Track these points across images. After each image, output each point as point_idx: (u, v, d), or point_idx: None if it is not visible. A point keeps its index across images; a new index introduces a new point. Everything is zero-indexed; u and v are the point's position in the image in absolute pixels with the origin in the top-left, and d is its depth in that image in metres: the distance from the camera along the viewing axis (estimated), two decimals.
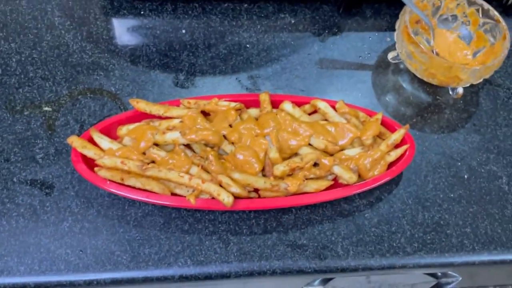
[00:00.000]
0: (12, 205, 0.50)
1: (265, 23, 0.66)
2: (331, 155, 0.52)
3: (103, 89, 0.58)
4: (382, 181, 0.52)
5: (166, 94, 0.59)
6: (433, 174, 0.56)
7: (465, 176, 0.57)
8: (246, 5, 0.67)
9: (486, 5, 0.60)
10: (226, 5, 0.67)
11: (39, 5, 0.64)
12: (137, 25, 0.64)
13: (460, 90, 0.61)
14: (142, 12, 0.65)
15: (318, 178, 0.52)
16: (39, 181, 0.52)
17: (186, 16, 0.65)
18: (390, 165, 0.53)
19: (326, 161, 0.51)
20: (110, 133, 0.52)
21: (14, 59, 0.59)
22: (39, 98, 0.57)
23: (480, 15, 0.61)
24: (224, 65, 0.62)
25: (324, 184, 0.51)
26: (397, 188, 0.55)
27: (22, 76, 0.58)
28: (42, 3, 0.64)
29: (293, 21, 0.67)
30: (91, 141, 0.51)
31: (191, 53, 0.62)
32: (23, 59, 0.59)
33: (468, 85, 0.58)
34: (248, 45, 0.64)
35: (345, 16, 0.68)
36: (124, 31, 0.63)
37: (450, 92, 0.62)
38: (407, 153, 0.53)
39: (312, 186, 0.51)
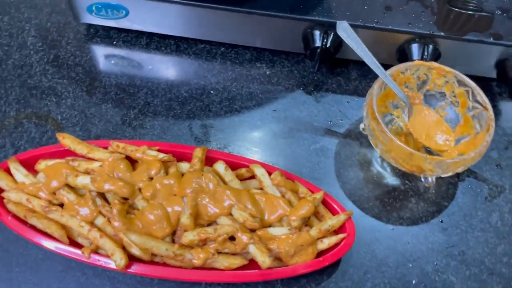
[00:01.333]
0: None
1: (238, 71, 0.62)
2: (254, 230, 0.47)
3: (49, 115, 0.57)
4: (303, 271, 0.45)
5: (111, 131, 0.56)
6: (375, 271, 0.49)
7: (413, 281, 0.48)
8: (223, 48, 0.64)
9: (477, 89, 0.52)
10: (202, 46, 0.64)
11: (19, 22, 0.65)
12: (106, 55, 0.62)
13: (432, 180, 0.53)
14: (115, 42, 0.64)
15: (233, 254, 0.46)
16: None
17: (157, 52, 0.63)
18: (322, 253, 0.47)
19: (244, 237, 0.45)
20: (31, 164, 0.50)
21: None
22: None
23: (470, 98, 0.53)
24: (180, 108, 0.58)
25: (236, 262, 0.45)
26: (328, 280, 0.48)
27: None
28: (22, 21, 0.65)
29: (268, 72, 0.62)
30: (9, 171, 0.49)
31: (150, 92, 0.59)
32: None
33: (438, 176, 0.51)
34: (212, 91, 0.60)
35: (327, 74, 0.62)
36: (91, 59, 0.62)
37: (422, 179, 0.54)
38: (342, 243, 0.46)
39: (222, 262, 0.45)
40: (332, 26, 0.56)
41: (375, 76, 0.62)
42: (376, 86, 0.51)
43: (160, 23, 0.61)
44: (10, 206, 0.47)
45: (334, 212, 0.49)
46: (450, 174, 0.50)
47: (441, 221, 0.52)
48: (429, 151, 0.54)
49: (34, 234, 0.46)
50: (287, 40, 0.60)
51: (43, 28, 0.64)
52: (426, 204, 0.53)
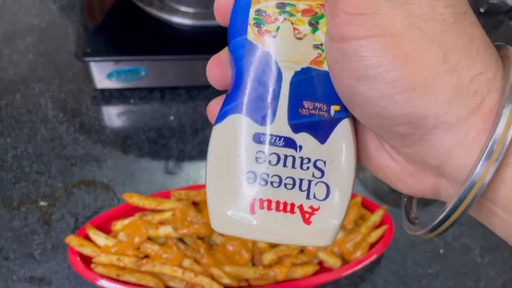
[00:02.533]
0: None
1: None
2: None
3: (96, 180, 0.61)
4: (365, 263, 0.55)
5: (157, 182, 0.62)
6: (411, 250, 0.60)
7: (441, 251, 0.60)
8: None
9: None
10: (211, 90, 0.71)
11: (33, 98, 0.67)
12: (127, 113, 0.68)
13: None
14: (131, 101, 0.69)
15: (304, 263, 0.55)
16: (37, 278, 0.54)
17: (173, 102, 0.69)
18: (372, 245, 0.57)
19: (311, 247, 0.54)
20: (104, 227, 0.54)
21: (10, 154, 0.62)
22: (35, 193, 0.59)
23: None
24: None
25: (310, 269, 0.54)
26: (379, 266, 0.59)
27: (18, 171, 0.61)
28: (36, 96, 0.68)
29: None
30: (87, 237, 0.53)
31: (180, 140, 0.66)
32: (18, 153, 0.62)
33: None
34: None
35: None
36: (114, 120, 0.67)
37: None
38: (386, 233, 0.57)
39: (299, 272, 0.54)
40: None
41: None
42: None
43: (173, 78, 0.68)
44: (99, 269, 0.52)
45: (370, 209, 0.59)
46: None
47: None
48: None
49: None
50: None
51: (59, 99, 0.68)
52: None
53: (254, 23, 0.22)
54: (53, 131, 0.65)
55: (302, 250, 0.55)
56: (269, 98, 0.22)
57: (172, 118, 0.68)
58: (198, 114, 0.69)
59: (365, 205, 0.59)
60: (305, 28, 0.21)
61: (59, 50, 0.72)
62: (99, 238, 0.53)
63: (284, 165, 0.22)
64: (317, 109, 0.22)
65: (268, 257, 0.53)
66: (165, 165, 0.63)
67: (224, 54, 0.24)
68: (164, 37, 0.68)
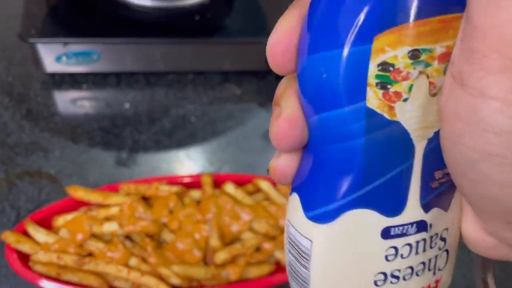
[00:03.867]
0: None
1: (211, 94, 0.67)
2: (273, 237, 0.53)
3: (42, 171, 0.57)
4: None
5: (108, 174, 0.58)
6: None
7: None
8: (191, 76, 0.68)
9: None
10: (171, 76, 0.67)
11: None
12: (79, 100, 0.63)
13: None
14: (84, 87, 0.64)
15: (260, 262, 0.52)
16: None
17: (130, 89, 0.65)
18: None
19: (267, 245, 0.51)
20: (46, 222, 0.51)
21: None
22: None
23: None
24: (168, 140, 0.62)
25: (266, 269, 0.51)
26: None
27: None
28: None
29: (238, 92, 0.67)
30: (26, 233, 0.49)
31: (135, 129, 0.62)
32: None
33: None
34: (193, 118, 0.64)
35: None
36: (65, 107, 0.62)
37: None
38: None
39: (254, 272, 0.51)
40: None
41: None
42: None
43: (130, 62, 0.64)
44: (38, 268, 0.48)
45: None
46: None
47: None
48: None
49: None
50: (253, 61, 0.66)
51: (5, 83, 0.63)
52: None
53: (377, 83, 0.15)
54: None
55: (258, 249, 0.52)
56: (400, 181, 0.17)
57: (127, 106, 0.64)
58: (156, 103, 0.65)
59: None
60: (441, 80, 0.15)
61: (7, 30, 0.67)
62: (39, 234, 0.49)
63: (416, 253, 0.18)
64: (445, 176, 0.17)
65: (221, 256, 0.49)
66: (118, 156, 0.59)
67: (297, 113, 0.17)
68: (120, 18, 0.63)
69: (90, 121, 0.61)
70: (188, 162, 0.61)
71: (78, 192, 0.51)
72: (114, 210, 0.50)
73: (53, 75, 0.64)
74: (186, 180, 0.55)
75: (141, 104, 0.64)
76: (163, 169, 0.59)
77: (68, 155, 0.58)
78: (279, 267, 0.52)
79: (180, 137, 0.62)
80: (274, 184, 0.55)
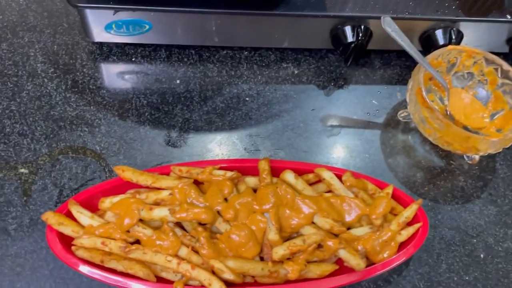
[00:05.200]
0: None
1: (266, 74, 0.61)
2: (336, 234, 0.47)
3: (86, 147, 0.53)
4: (393, 266, 0.47)
5: (156, 154, 0.54)
6: (446, 252, 0.51)
7: (481, 256, 0.52)
8: (246, 52, 0.62)
9: (506, 66, 0.55)
10: (224, 52, 0.62)
11: (21, 49, 0.59)
12: (127, 73, 0.59)
13: (476, 157, 0.56)
14: (133, 59, 0.60)
15: (321, 261, 0.47)
16: (10, 257, 0.46)
17: (181, 64, 0.60)
18: (402, 244, 0.48)
19: (331, 243, 0.46)
20: (91, 203, 0.47)
21: None
22: (15, 158, 0.51)
23: (499, 75, 0.56)
24: (220, 121, 0.57)
25: (328, 269, 0.46)
26: (407, 269, 0.50)
27: None
28: (24, 46, 0.59)
29: (296, 72, 0.62)
30: (70, 214, 0.45)
31: (186, 107, 0.57)
32: (0, 111, 0.54)
33: (486, 154, 0.54)
34: (247, 98, 0.59)
35: (353, 67, 0.63)
36: (113, 80, 0.58)
37: (465, 158, 0.57)
38: (419, 232, 0.48)
39: (315, 271, 0.46)
40: (363, 21, 0.57)
41: (398, 64, 0.64)
42: (421, 76, 0.53)
43: (182, 35, 0.59)
44: (81, 253, 0.44)
45: (401, 203, 0.50)
46: (499, 150, 0.53)
47: (490, 194, 0.56)
48: (466, 129, 0.57)
49: (117, 277, 0.43)
50: (313, 38, 0.60)
51: (50, 52, 0.59)
52: (473, 180, 0.56)
53: None
54: (41, 88, 0.56)
55: (320, 246, 0.46)
56: None
57: (178, 81, 0.59)
58: (209, 80, 0.60)
59: (396, 197, 0.51)
60: None
61: None
62: (83, 216, 0.45)
63: None
64: None
65: (279, 251, 0.44)
66: (167, 136, 0.55)
67: None
68: None
69: (139, 96, 0.57)
70: (241, 145, 0.56)
71: (126, 173, 0.47)
72: (164, 194, 0.46)
73: (101, 45, 0.60)
74: (240, 164, 0.50)
75: (193, 81, 0.59)
76: (214, 152, 0.55)
77: (115, 132, 0.54)
78: (342, 268, 0.47)
79: (233, 118, 0.57)
80: (338, 175, 0.50)
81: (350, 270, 0.46)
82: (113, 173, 0.51)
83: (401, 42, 0.52)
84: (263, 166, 0.49)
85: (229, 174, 0.48)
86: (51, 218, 0.44)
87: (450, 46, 0.56)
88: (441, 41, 0.59)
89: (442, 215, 0.54)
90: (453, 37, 0.58)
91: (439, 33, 0.59)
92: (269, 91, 0.60)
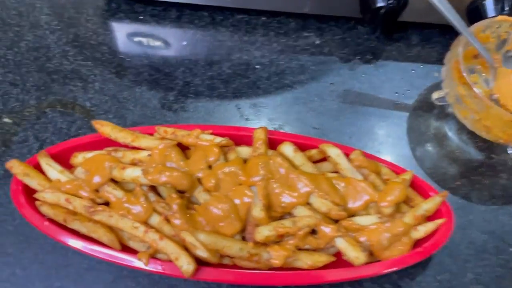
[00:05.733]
0: None
1: (284, 42, 0.55)
2: (336, 221, 0.40)
3: (76, 103, 0.49)
4: (403, 266, 0.38)
5: (149, 116, 0.49)
6: (475, 260, 0.42)
7: None
8: (264, 18, 0.56)
9: None
10: (240, 16, 0.56)
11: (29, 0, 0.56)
12: (132, 32, 0.55)
13: None
14: (141, 17, 0.56)
15: (315, 250, 0.39)
16: None
17: (191, 26, 0.55)
18: (418, 242, 0.40)
19: (327, 229, 0.38)
20: (65, 159, 0.42)
21: None
22: (1, 107, 0.48)
23: None
24: (224, 87, 0.51)
25: (322, 260, 0.38)
26: (423, 273, 0.42)
27: None
28: None
29: (317, 42, 0.55)
30: (39, 168, 0.41)
31: (188, 70, 0.52)
32: None
33: None
34: (258, 66, 0.53)
35: (385, 41, 0.55)
36: (116, 37, 0.54)
37: (509, 151, 0.47)
38: (441, 230, 0.40)
39: (305, 260, 0.38)
40: None
41: (440, 41, 0.55)
42: (460, 47, 0.44)
43: None
44: (45, 209, 0.39)
45: (423, 195, 0.42)
46: None
47: None
48: None
49: (79, 240, 0.38)
50: (339, 3, 0.53)
51: (57, 5, 0.56)
52: None
53: None
54: (41, 40, 0.53)
55: (313, 232, 0.39)
56: None
57: (185, 43, 0.54)
58: (218, 44, 0.54)
59: (417, 187, 0.42)
60: None
61: None
62: (51, 169, 0.41)
63: None
64: None
65: (263, 232, 0.38)
66: (163, 98, 0.50)
67: None
68: None
69: (140, 55, 0.53)
70: (243, 115, 0.49)
71: (105, 128, 0.42)
72: (142, 155, 0.41)
73: (109, 2, 0.56)
74: (234, 132, 0.44)
75: (201, 43, 0.54)
76: (213, 120, 0.49)
77: (108, 89, 0.50)
78: (340, 262, 0.39)
79: (239, 85, 0.51)
80: (347, 154, 0.42)
81: (349, 264, 0.39)
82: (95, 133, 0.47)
83: (440, 7, 0.44)
84: (259, 134, 0.42)
85: (218, 140, 0.42)
86: (16, 167, 0.40)
87: (500, 17, 0.47)
88: (490, 13, 0.50)
89: (475, 216, 0.44)
90: (506, 8, 0.49)
91: (489, 3, 0.50)
92: (283, 60, 0.53)
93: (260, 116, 0.49)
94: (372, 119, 0.50)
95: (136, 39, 0.54)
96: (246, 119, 0.49)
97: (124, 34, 0.54)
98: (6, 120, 0.47)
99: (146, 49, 0.53)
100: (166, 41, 0.54)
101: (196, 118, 0.49)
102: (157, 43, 0.54)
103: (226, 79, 0.51)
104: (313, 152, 0.43)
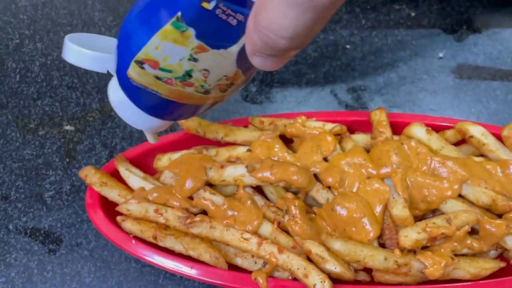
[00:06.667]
0: (1, 265, 0.34)
1: (373, 17, 0.47)
2: (499, 215, 0.31)
3: None
4: None
5: (231, 111, 0.41)
6: None
7: None
8: None
9: None
10: None
11: None
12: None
13: None
14: None
15: (474, 254, 0.30)
16: (42, 231, 0.36)
17: None
18: None
19: (492, 227, 0.29)
20: (145, 164, 0.35)
21: (37, 63, 0.45)
22: (60, 113, 0.42)
23: None
24: (313, 72, 0.43)
25: (489, 267, 0.30)
26: None
27: (44, 84, 0.44)
28: None
29: (413, 14, 0.47)
30: (117, 175, 0.34)
31: None
32: (48, 62, 0.45)
33: None
34: (348, 46, 0.45)
35: (492, 7, 0.47)
36: None
37: None
38: None
39: (467, 269, 0.29)
40: None
41: None
42: None
43: None
44: (129, 225, 0.32)
45: None
46: None
47: None
48: None
49: (176, 260, 0.30)
50: None
51: (110, 0, 0.50)
52: None
53: None
54: None
55: (473, 231, 0.30)
56: None
57: None
58: None
59: None
60: None
61: None
62: (133, 176, 0.33)
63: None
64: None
65: (411, 235, 0.29)
66: (244, 90, 0.43)
67: None
68: None
69: None
70: (342, 102, 0.41)
71: (191, 122, 0.35)
72: (240, 150, 0.33)
73: None
74: (345, 118, 0.36)
75: None
76: (305, 109, 0.41)
77: None
78: (509, 268, 0.30)
79: (331, 69, 0.43)
80: (496, 133, 0.33)
81: None
82: (179, 129, 0.40)
83: None
84: (379, 116, 0.34)
85: (329, 126, 0.34)
86: (92, 175, 0.33)
87: None
88: None
89: None
90: None
91: None
92: (377, 37, 0.45)
93: (361, 101, 0.41)
94: (499, 95, 0.41)
95: None
96: (346, 106, 0.41)
97: None
98: (68, 127, 0.41)
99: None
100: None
101: (286, 109, 0.41)
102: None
103: (314, 63, 0.44)
104: (448, 133, 0.34)
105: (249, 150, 0.33)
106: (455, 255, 0.30)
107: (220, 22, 0.19)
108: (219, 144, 0.35)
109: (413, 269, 0.29)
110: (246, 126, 0.35)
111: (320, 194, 0.32)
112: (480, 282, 0.29)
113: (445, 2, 0.48)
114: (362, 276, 0.30)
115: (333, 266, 0.29)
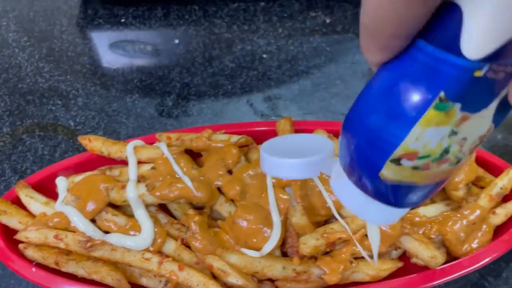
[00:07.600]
0: None
1: (289, 26, 0.48)
2: None
3: (58, 124, 0.41)
4: (487, 260, 0.30)
5: (146, 127, 0.41)
6: None
7: None
8: (263, 3, 0.49)
9: None
10: (236, 5, 0.49)
11: None
12: (115, 37, 0.48)
13: None
14: (123, 20, 0.49)
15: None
16: None
17: (181, 22, 0.48)
18: (498, 228, 0.32)
19: (388, 228, 0.30)
20: (50, 188, 0.34)
21: None
22: None
23: None
24: (230, 83, 0.44)
25: (386, 267, 0.30)
26: (509, 267, 0.33)
27: None
28: None
29: (328, 21, 0.48)
30: (19, 202, 0.33)
31: (185, 70, 0.45)
32: None
33: None
34: (265, 55, 0.45)
35: None
36: (97, 45, 0.47)
37: None
38: None
39: (366, 271, 0.30)
40: None
41: None
42: None
43: None
44: (31, 253, 0.31)
45: (493, 172, 0.34)
46: None
47: None
48: None
49: (78, 285, 0.30)
50: None
51: (25, 20, 0.49)
52: None
53: None
54: (11, 59, 0.46)
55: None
56: None
57: (176, 41, 0.47)
58: (215, 37, 0.47)
59: (484, 164, 0.35)
60: None
61: None
62: (34, 202, 0.33)
63: None
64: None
65: (310, 242, 0.30)
66: (160, 104, 0.42)
67: None
68: None
69: (127, 62, 0.45)
70: (257, 111, 0.42)
71: (95, 143, 0.34)
72: (144, 169, 0.33)
73: (85, 9, 0.49)
74: (253, 129, 0.36)
75: (195, 40, 0.47)
76: (222, 122, 0.41)
77: (94, 104, 0.42)
78: (408, 266, 0.31)
79: (246, 79, 0.44)
80: None
81: (420, 269, 0.31)
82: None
83: None
84: (283, 126, 0.35)
85: (234, 138, 0.34)
86: None
87: None
88: None
89: None
90: None
91: None
92: (293, 45, 0.46)
93: (277, 109, 0.42)
94: None
95: (120, 44, 0.47)
96: (262, 115, 0.42)
97: (106, 41, 0.47)
98: None
99: (133, 54, 0.46)
100: (154, 42, 0.47)
101: (202, 121, 0.41)
102: (145, 46, 0.47)
103: (231, 74, 0.44)
104: None
105: (153, 168, 0.33)
106: (355, 258, 0.31)
107: (488, 82, 0.17)
108: (124, 163, 0.34)
109: (313, 275, 0.30)
110: (153, 143, 0.35)
111: (223, 208, 0.32)
112: (378, 282, 0.30)
113: (359, 7, 0.49)
114: (267, 286, 0.31)
115: (235, 279, 0.29)
